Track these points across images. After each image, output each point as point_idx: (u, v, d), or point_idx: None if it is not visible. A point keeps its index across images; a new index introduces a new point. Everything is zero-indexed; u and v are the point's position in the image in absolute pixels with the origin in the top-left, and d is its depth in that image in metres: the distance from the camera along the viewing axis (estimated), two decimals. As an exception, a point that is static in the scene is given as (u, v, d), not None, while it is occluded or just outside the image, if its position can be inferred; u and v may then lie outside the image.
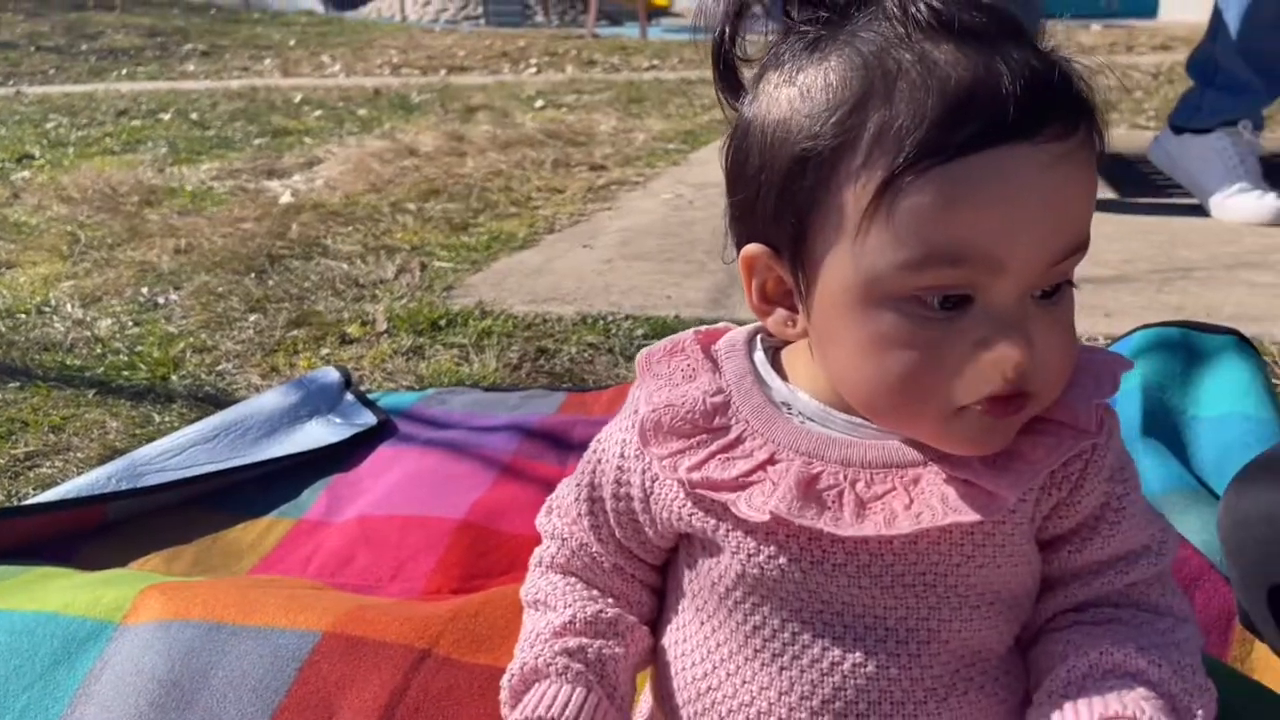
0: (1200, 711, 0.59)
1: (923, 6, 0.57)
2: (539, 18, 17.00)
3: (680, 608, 0.70)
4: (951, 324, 0.57)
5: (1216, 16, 2.32)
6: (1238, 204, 2.27)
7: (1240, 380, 1.19)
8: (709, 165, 3.44)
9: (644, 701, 0.76)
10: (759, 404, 0.67)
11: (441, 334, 1.84)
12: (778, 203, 0.60)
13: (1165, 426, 1.17)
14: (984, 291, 0.56)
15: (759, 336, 0.71)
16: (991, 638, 0.64)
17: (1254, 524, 0.77)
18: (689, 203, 2.86)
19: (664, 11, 20.76)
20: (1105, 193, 2.74)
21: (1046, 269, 0.57)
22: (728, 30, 0.64)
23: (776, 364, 0.69)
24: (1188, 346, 1.24)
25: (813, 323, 0.63)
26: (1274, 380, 1.53)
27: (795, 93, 0.59)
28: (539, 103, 5.10)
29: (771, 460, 0.65)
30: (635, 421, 0.69)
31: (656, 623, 0.74)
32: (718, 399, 0.68)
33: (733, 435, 0.66)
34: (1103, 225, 2.37)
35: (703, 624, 0.68)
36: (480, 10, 16.22)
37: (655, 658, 0.73)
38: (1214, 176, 2.33)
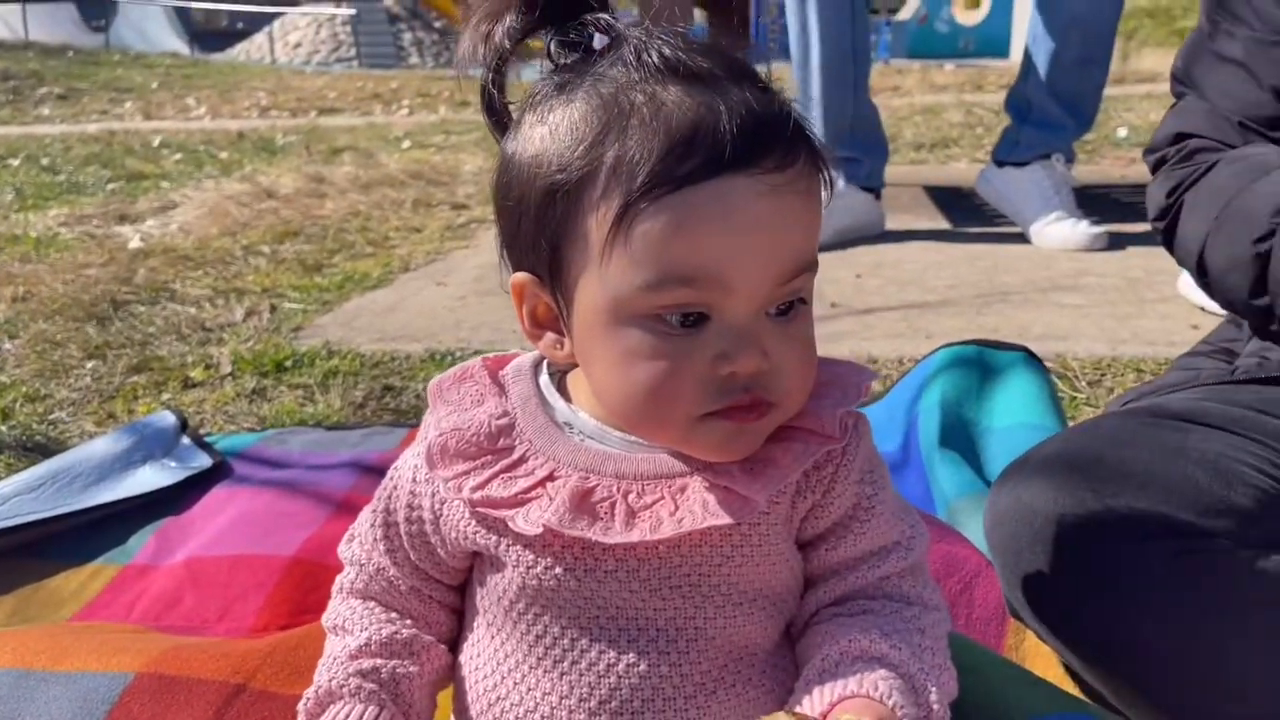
0: (934, 688, 0.65)
1: (654, 54, 0.63)
2: (414, 59, 16.89)
3: (475, 624, 0.74)
4: (692, 339, 0.62)
5: (1028, 58, 2.49)
6: (1054, 231, 2.43)
7: (1028, 393, 1.29)
8: (570, 203, 3.49)
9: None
10: (542, 425, 0.72)
11: (286, 375, 1.83)
12: (535, 232, 0.65)
13: (961, 437, 1.26)
14: (719, 309, 0.62)
15: (545, 361, 0.76)
16: (756, 634, 0.69)
17: (1007, 521, 0.85)
18: (546, 240, 2.91)
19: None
20: (939, 223, 2.90)
21: (774, 288, 0.63)
22: (491, 76, 0.70)
23: (562, 387, 0.74)
24: (982, 363, 1.34)
25: (575, 344, 0.68)
26: (1075, 393, 1.65)
27: (546, 130, 0.65)
28: (405, 143, 5.11)
29: (551, 477, 0.69)
30: (424, 447, 0.72)
31: (457, 641, 0.77)
32: (503, 421, 0.72)
33: (516, 455, 0.71)
34: (933, 254, 2.51)
35: (493, 637, 0.72)
36: (353, 52, 16.04)
37: (455, 674, 0.76)
38: (1033, 206, 2.49)
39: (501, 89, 0.70)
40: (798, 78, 2.59)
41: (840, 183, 2.59)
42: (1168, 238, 1.02)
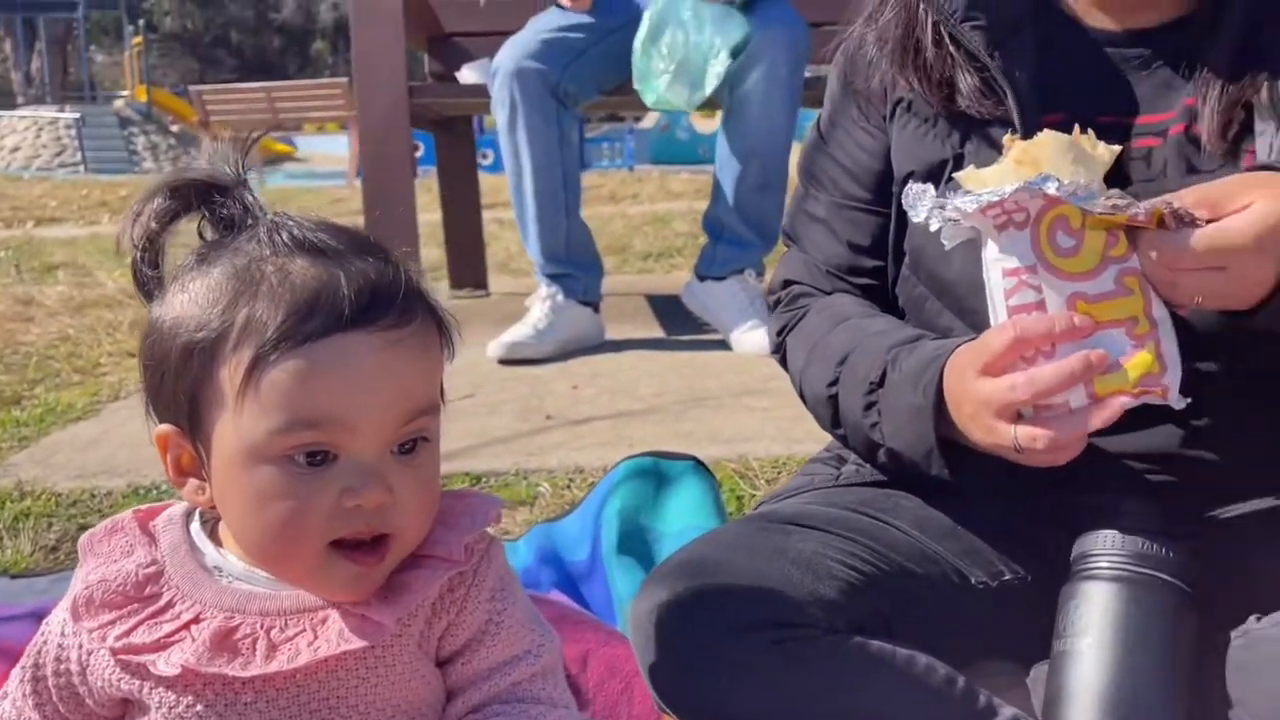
0: None
1: (285, 234, 0.74)
2: (148, 163, 16.14)
3: (131, 768, 0.77)
4: (319, 477, 0.72)
5: (716, 185, 2.76)
6: (750, 339, 2.68)
7: (695, 499, 1.44)
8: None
9: None
10: (190, 570, 0.78)
11: (-30, 521, 1.74)
12: (175, 387, 0.74)
13: (638, 544, 1.39)
14: (345, 448, 0.72)
15: (199, 509, 0.82)
16: (401, 748, 0.77)
17: (640, 624, 0.96)
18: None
19: (287, 157, 20.45)
20: (655, 331, 3.11)
21: (396, 429, 0.73)
22: (140, 254, 0.78)
23: (215, 534, 0.81)
24: (657, 473, 1.48)
25: (214, 489, 0.75)
26: (754, 491, 1.82)
27: (187, 297, 0.74)
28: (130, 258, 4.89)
29: (196, 620, 0.76)
30: (70, 601, 0.77)
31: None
32: (151, 569, 0.78)
33: (163, 601, 0.77)
34: (646, 362, 2.69)
35: (149, 777, 0.76)
36: (79, 157, 15.16)
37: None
38: (731, 316, 2.73)
39: (154, 264, 0.78)
40: (514, 202, 2.75)
41: (560, 298, 2.74)
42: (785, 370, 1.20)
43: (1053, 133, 0.85)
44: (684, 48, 2.54)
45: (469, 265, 3.79)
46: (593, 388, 2.46)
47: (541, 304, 2.75)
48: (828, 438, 1.18)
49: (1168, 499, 0.99)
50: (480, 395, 2.42)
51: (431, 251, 4.21)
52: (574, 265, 2.77)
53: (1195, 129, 0.96)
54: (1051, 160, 0.83)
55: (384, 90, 2.82)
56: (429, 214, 3.95)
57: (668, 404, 2.30)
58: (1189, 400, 0.86)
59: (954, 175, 0.90)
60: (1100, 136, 0.89)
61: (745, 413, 2.19)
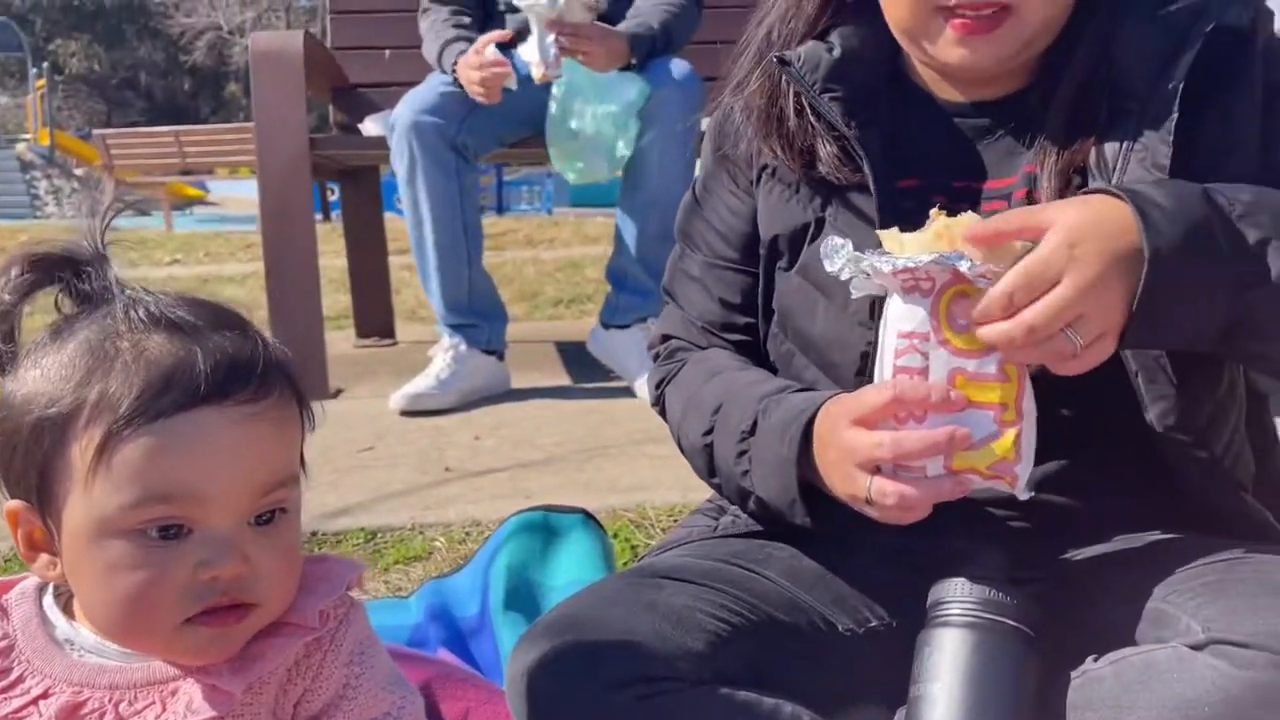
0: None
1: (140, 310, 0.75)
2: (50, 207, 15.75)
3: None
4: (172, 550, 0.72)
5: (618, 235, 2.80)
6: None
7: (584, 551, 1.46)
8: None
9: None
10: (41, 644, 0.78)
11: None
12: (26, 462, 0.74)
13: (526, 599, 1.40)
14: (199, 522, 0.72)
15: (53, 582, 0.82)
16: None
17: (514, 681, 0.97)
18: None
19: (199, 201, 20.11)
20: (562, 379, 3.13)
21: (252, 501, 0.74)
22: None
23: (69, 607, 0.80)
24: (547, 527, 1.50)
25: (65, 564, 0.75)
26: (650, 540, 1.85)
27: (39, 372, 0.75)
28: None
29: (45, 694, 0.76)
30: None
31: None
32: (2, 644, 0.78)
33: (13, 676, 0.77)
34: (550, 411, 2.71)
35: None
36: (-23, 202, 14.72)
37: None
38: (635, 364, 2.77)
39: (8, 338, 0.79)
40: (415, 254, 2.76)
41: (462, 348, 2.75)
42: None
43: (974, 215, 0.90)
44: (594, 122, 2.61)
45: (376, 313, 3.77)
46: (495, 438, 2.46)
47: (444, 354, 2.75)
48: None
49: (1021, 543, 1.05)
50: (381, 447, 2.41)
51: (341, 298, 4.19)
52: (476, 315, 2.78)
53: (1036, 193, 1.02)
54: (959, 229, 0.87)
55: (285, 141, 2.81)
56: (342, 259, 3.94)
57: (569, 453, 2.31)
58: (1032, 493, 0.92)
59: (877, 232, 0.94)
60: (952, 201, 0.95)
61: (645, 461, 2.22)
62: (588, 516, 1.52)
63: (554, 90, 2.66)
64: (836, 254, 0.91)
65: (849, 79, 1.07)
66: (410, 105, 2.67)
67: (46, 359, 0.74)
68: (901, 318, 0.89)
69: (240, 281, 5.73)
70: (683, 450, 1.17)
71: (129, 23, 34.04)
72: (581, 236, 8.46)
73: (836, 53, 1.08)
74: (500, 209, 14.33)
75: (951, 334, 0.88)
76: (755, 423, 1.05)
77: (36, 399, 0.73)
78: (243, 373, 0.74)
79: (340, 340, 3.71)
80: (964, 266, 0.85)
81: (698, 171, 1.25)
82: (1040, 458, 0.93)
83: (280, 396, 0.77)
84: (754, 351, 1.18)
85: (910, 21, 1.02)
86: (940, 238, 0.87)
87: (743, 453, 1.06)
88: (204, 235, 9.84)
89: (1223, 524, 1.00)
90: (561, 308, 4.70)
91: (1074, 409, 1.01)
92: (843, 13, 1.11)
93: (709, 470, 1.12)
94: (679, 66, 2.66)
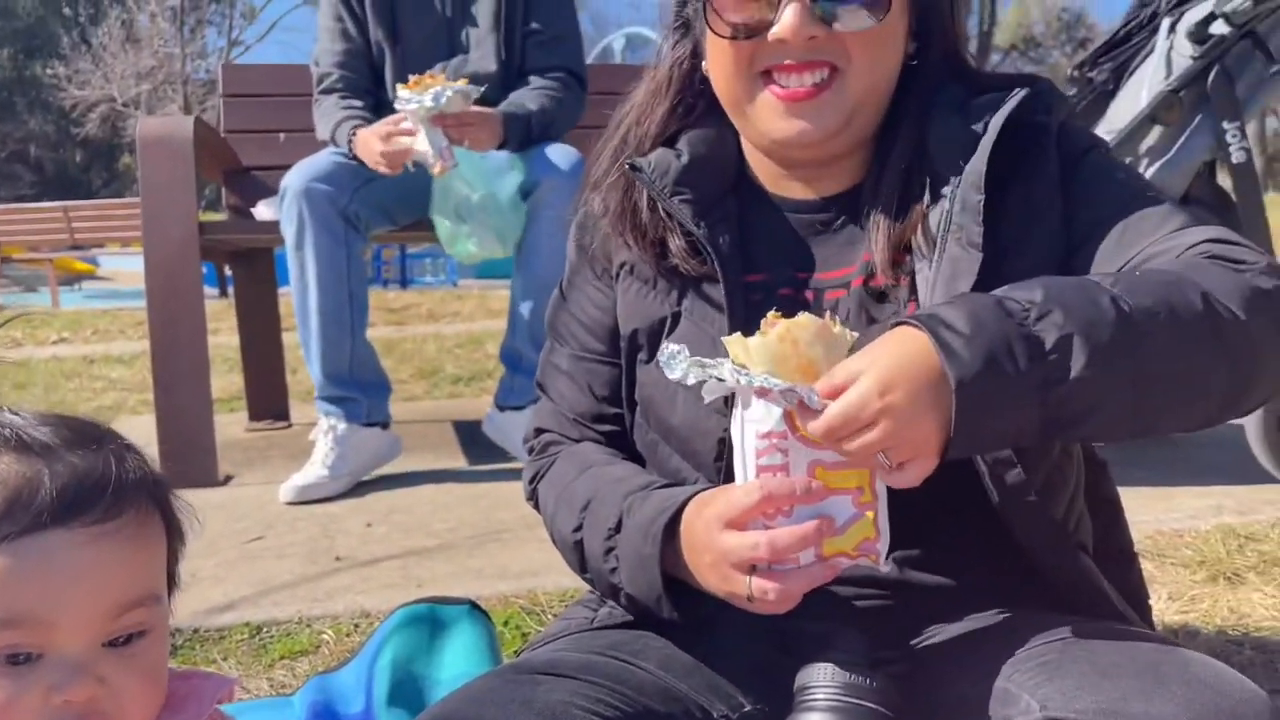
0: None
1: None
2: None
3: None
4: (24, 675, 0.72)
5: (512, 317, 2.84)
6: (548, 468, 2.73)
7: (470, 643, 1.45)
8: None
9: None
10: None
11: None
12: None
13: (411, 694, 1.39)
14: (49, 646, 0.72)
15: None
16: None
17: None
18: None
19: (88, 275, 19.49)
20: (458, 461, 3.12)
21: (105, 624, 0.74)
22: None
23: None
24: (434, 619, 1.49)
25: None
26: (541, 627, 1.85)
27: None
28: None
29: None
30: None
31: None
32: None
33: None
34: (444, 495, 2.70)
35: None
36: None
37: None
38: (529, 445, 2.78)
39: None
40: (298, 321, 2.74)
41: (341, 427, 2.72)
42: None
43: (810, 316, 0.95)
44: (475, 207, 2.65)
45: (269, 395, 3.72)
46: (387, 524, 2.44)
47: (324, 437, 2.72)
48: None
49: (881, 623, 1.09)
50: (270, 536, 2.37)
51: (235, 379, 4.11)
52: (356, 387, 2.76)
53: (874, 280, 1.09)
54: (807, 340, 0.93)
55: (173, 225, 2.79)
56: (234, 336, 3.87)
57: (461, 539, 2.31)
58: (891, 564, 0.96)
59: (722, 339, 0.98)
60: (796, 291, 1.01)
61: (536, 545, 2.23)
62: (474, 607, 1.52)
63: (433, 182, 2.70)
64: (674, 360, 0.95)
65: (697, 183, 1.14)
66: (301, 172, 2.69)
67: None
68: (759, 419, 0.94)
69: (128, 362, 5.58)
70: (556, 544, 1.20)
71: (19, 95, 33.21)
72: (485, 310, 8.45)
73: (684, 159, 1.15)
74: (404, 283, 14.23)
75: (805, 430, 0.93)
76: (620, 520, 1.08)
77: None
78: (92, 493, 0.74)
79: (232, 423, 3.64)
80: (811, 401, 0.89)
81: (565, 267, 1.30)
82: (896, 540, 0.98)
83: (138, 514, 0.77)
84: (623, 442, 1.22)
85: (737, 91, 1.09)
86: (783, 340, 0.92)
87: (610, 549, 1.09)
88: (92, 312, 9.55)
89: (1066, 589, 1.07)
90: (461, 385, 4.69)
91: (922, 489, 1.07)
92: (690, 118, 1.18)
93: (580, 565, 1.15)
94: (566, 153, 2.74)
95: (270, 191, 3.46)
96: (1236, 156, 2.35)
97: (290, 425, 3.74)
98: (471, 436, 3.41)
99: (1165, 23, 2.59)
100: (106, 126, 30.92)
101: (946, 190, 1.06)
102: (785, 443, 0.93)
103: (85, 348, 6.90)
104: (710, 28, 1.10)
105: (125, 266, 19.12)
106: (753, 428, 0.95)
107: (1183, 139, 2.38)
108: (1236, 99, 2.35)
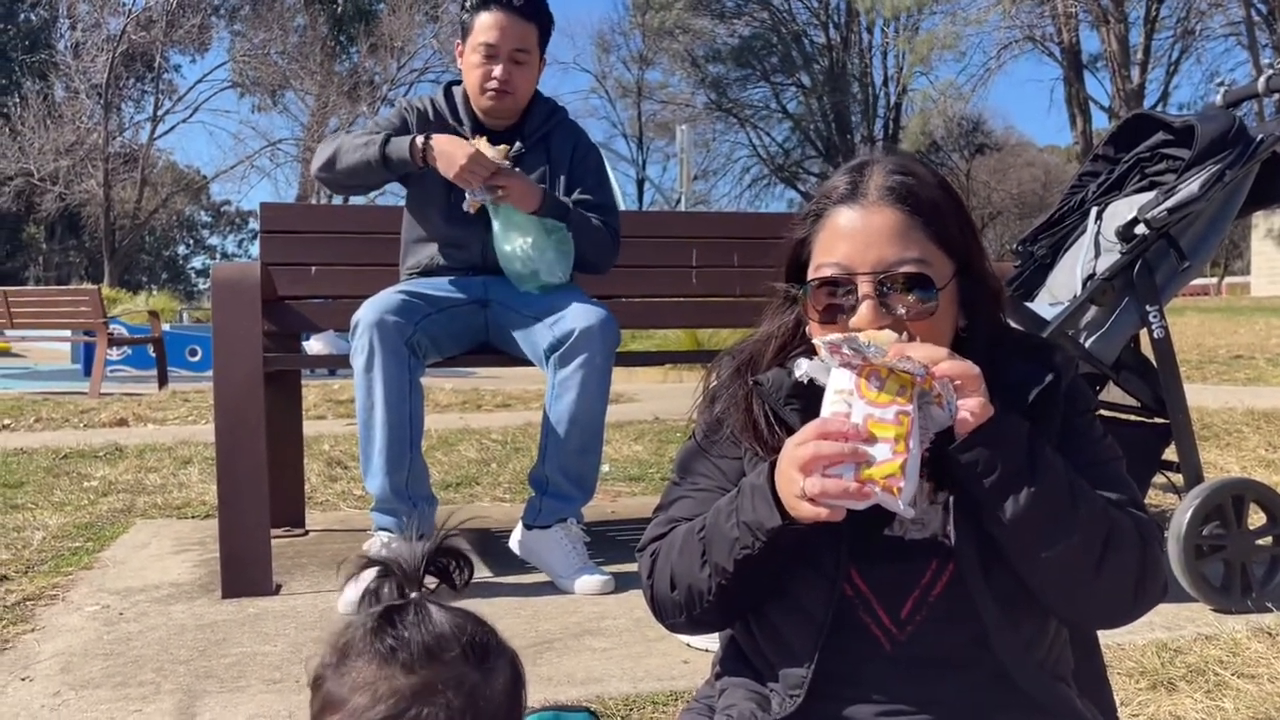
0: None
1: None
2: None
3: None
4: None
5: (542, 447, 3.22)
6: (578, 583, 3.10)
7: (593, 744, 1.80)
8: (125, 566, 3.55)
9: None
10: None
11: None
12: None
13: (553, 786, 1.73)
14: None
15: None
16: None
17: None
18: (119, 614, 2.99)
19: (3, 353, 19.10)
20: (482, 571, 3.44)
21: None
22: None
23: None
24: (559, 724, 1.84)
25: None
26: (617, 728, 2.19)
27: None
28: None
29: None
30: None
31: None
32: None
33: None
34: (483, 607, 2.99)
35: None
36: None
37: None
38: (558, 562, 3.14)
39: None
40: (361, 438, 3.09)
41: (398, 539, 3.04)
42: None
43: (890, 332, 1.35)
44: (532, 242, 3.22)
45: (288, 505, 4.00)
46: (445, 633, 2.74)
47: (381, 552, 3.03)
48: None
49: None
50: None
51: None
52: (410, 501, 3.11)
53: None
54: (881, 340, 1.31)
55: (241, 362, 3.12)
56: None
57: (520, 647, 2.62)
58: (913, 512, 1.25)
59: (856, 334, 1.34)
60: None
61: (590, 654, 2.55)
62: (592, 714, 1.87)
63: (494, 225, 3.26)
64: (798, 367, 1.38)
65: (806, 395, 1.54)
66: (374, 307, 3.10)
67: None
68: (835, 379, 1.32)
69: (108, 459, 5.71)
70: (670, 563, 1.44)
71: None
72: (432, 403, 8.67)
73: (796, 375, 1.45)
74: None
75: (868, 391, 1.29)
76: (737, 493, 1.38)
77: None
78: None
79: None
80: (870, 351, 1.28)
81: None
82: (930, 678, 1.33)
83: None
84: None
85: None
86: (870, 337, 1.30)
87: (730, 515, 1.33)
88: (31, 400, 9.53)
89: (1048, 706, 1.33)
90: (451, 491, 4.97)
91: (927, 645, 1.37)
92: (800, 345, 1.57)
93: (701, 558, 1.37)
94: (599, 311, 3.17)
95: (300, 317, 3.82)
96: (1157, 333, 2.91)
97: (307, 532, 4.02)
98: (482, 546, 3.72)
99: (1094, 210, 3.17)
100: (21, 201, 30.40)
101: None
102: (850, 398, 1.29)
103: (34, 437, 6.92)
104: (806, 314, 1.47)
105: (39, 345, 18.71)
106: (832, 385, 1.32)
107: (1114, 317, 2.92)
108: (1156, 287, 2.91)
